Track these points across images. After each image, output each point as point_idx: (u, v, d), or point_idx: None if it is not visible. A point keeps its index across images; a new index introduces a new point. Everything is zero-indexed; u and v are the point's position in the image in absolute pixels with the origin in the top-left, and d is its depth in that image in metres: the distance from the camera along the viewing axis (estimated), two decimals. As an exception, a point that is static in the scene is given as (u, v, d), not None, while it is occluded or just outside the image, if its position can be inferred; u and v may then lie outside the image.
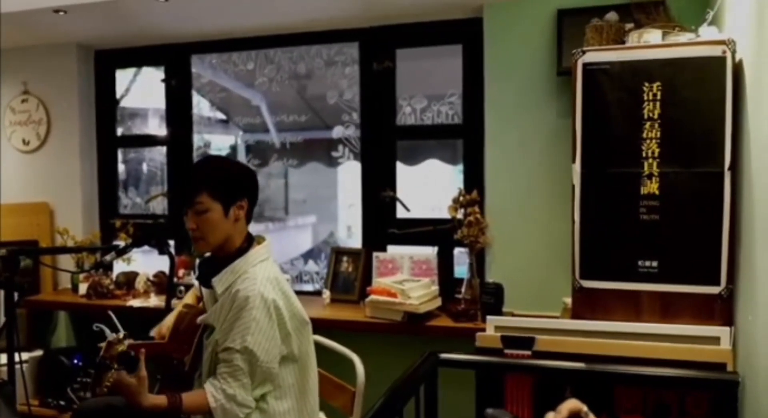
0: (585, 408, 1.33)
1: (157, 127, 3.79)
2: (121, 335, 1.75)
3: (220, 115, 3.70)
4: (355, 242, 4.13)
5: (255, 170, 2.11)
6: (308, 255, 3.68)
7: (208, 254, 2.03)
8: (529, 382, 2.05)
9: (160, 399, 1.78)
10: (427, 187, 3.53)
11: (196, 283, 2.28)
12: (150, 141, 3.77)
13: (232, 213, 1.89)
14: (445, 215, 2.93)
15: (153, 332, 2.17)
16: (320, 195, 4.19)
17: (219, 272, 1.91)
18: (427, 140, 3.26)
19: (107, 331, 1.82)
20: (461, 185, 3.02)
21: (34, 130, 3.65)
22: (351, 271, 3.15)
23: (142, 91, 3.87)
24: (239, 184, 1.93)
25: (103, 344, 1.74)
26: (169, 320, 2.21)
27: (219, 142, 3.77)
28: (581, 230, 2.09)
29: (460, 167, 3.49)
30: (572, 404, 1.33)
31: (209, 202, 1.86)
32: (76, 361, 3.24)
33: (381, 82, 3.17)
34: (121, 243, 3.40)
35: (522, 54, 2.80)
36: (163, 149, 3.75)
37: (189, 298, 2.32)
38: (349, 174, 3.59)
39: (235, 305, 1.82)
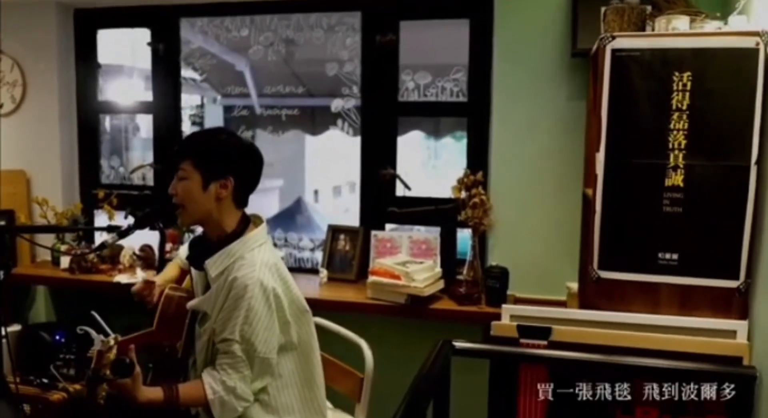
0: None
1: (126, 90, 3.58)
2: (111, 340, 1.65)
3: (192, 75, 3.49)
4: (323, 206, 4.05)
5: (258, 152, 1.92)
6: (289, 223, 3.60)
7: (199, 231, 1.96)
8: (545, 372, 2.04)
9: (156, 393, 1.72)
10: (409, 159, 3.44)
11: (182, 252, 2.19)
12: (135, 108, 3.55)
13: (213, 189, 1.81)
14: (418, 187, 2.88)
15: (157, 280, 2.11)
16: (293, 162, 4.09)
17: (212, 254, 1.83)
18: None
19: (93, 333, 1.72)
20: (437, 157, 2.95)
21: (8, 93, 3.41)
22: (348, 249, 3.08)
23: (107, 49, 3.59)
24: (225, 161, 1.82)
25: (93, 353, 1.65)
26: (169, 271, 2.20)
27: (188, 102, 3.55)
28: (602, 219, 2.06)
29: (443, 141, 3.42)
30: None
31: (190, 170, 1.81)
32: (58, 337, 3.11)
33: (383, 55, 3.04)
34: (105, 215, 3.27)
35: (534, 33, 2.70)
36: (140, 116, 3.59)
37: (171, 269, 2.22)
38: (331, 142, 3.47)
39: (233, 293, 1.74)
